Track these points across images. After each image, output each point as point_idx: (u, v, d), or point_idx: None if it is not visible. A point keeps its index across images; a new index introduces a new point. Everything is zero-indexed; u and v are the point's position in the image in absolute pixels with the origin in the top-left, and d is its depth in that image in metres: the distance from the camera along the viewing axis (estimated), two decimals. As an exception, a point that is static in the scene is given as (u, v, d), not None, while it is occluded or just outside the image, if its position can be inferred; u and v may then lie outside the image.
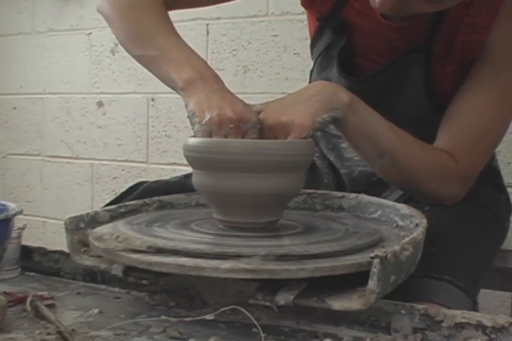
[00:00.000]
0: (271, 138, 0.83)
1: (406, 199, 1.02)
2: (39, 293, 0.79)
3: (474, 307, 0.85)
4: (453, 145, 0.98)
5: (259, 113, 0.85)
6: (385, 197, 1.05)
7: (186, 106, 0.87)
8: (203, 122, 0.82)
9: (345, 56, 1.08)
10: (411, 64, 1.02)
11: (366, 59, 1.08)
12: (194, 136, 0.82)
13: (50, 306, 0.76)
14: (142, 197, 0.98)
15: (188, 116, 0.86)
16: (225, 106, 0.83)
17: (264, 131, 0.84)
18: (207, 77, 0.88)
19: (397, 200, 1.01)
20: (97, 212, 0.87)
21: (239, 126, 0.81)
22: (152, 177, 2.20)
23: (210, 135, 0.81)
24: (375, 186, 1.10)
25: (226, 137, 0.80)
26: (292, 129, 0.82)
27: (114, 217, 0.89)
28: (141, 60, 1.00)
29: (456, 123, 0.99)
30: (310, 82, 1.19)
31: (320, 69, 1.14)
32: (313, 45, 1.16)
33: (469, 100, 0.99)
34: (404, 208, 0.86)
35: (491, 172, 1.14)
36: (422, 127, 1.01)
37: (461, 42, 0.99)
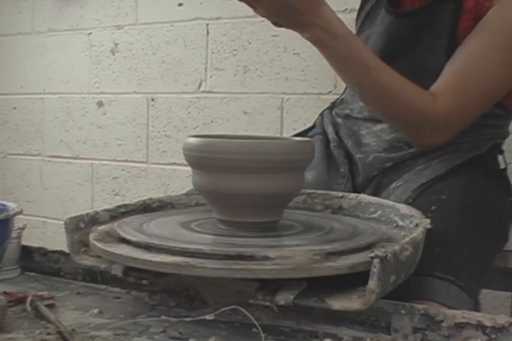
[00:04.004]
0: None
1: (420, 192, 1.02)
2: (39, 293, 0.79)
3: (476, 307, 0.85)
4: (439, 86, 1.01)
5: None
6: (397, 188, 1.06)
7: None
8: None
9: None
10: (440, 12, 1.06)
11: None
12: (195, 136, 0.81)
13: (50, 306, 0.76)
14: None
15: None
16: None
17: None
18: None
19: (414, 191, 1.02)
20: (97, 212, 0.87)
21: None
22: (152, 178, 2.22)
23: None
24: (388, 172, 1.11)
25: None
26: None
27: (113, 217, 0.89)
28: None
29: (447, 69, 1.02)
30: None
31: (368, 24, 1.18)
32: (362, 6, 1.22)
33: (467, 45, 1.02)
34: (404, 208, 0.86)
35: (498, 174, 1.14)
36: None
37: (483, 1, 1.03)
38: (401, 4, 1.14)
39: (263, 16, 0.95)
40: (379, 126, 1.14)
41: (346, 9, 1.72)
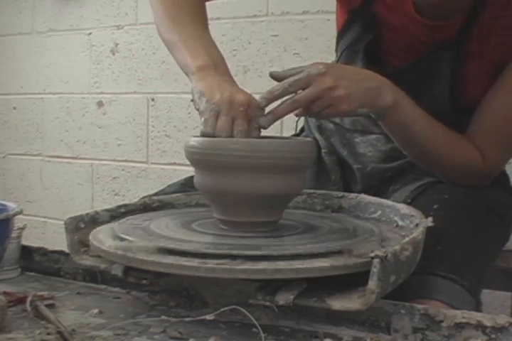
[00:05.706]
0: (309, 91, 0.86)
1: (417, 194, 1.02)
2: (39, 293, 0.79)
3: (477, 307, 0.85)
4: (483, 143, 1.01)
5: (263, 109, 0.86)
6: (394, 191, 1.07)
7: (193, 89, 0.87)
8: (212, 101, 0.81)
9: (371, 51, 1.08)
10: (440, 61, 1.02)
11: (393, 55, 1.08)
12: (197, 136, 0.81)
13: (50, 306, 0.76)
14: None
15: (192, 99, 0.86)
16: (236, 91, 0.84)
17: (307, 80, 0.86)
18: (220, 67, 0.91)
19: (412, 192, 1.02)
20: (97, 212, 0.87)
21: (247, 111, 0.82)
22: (152, 178, 2.21)
23: (217, 115, 0.81)
24: (387, 182, 1.11)
25: (233, 120, 0.80)
26: (335, 104, 0.86)
27: (114, 217, 0.89)
28: (166, 43, 1.02)
29: (486, 122, 1.02)
30: None
31: (345, 63, 1.13)
32: (339, 38, 1.16)
33: (500, 100, 1.01)
34: (404, 208, 0.86)
35: (500, 175, 1.14)
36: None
37: (494, 44, 1.00)
38: (384, 60, 1.09)
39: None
40: (373, 136, 1.12)
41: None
